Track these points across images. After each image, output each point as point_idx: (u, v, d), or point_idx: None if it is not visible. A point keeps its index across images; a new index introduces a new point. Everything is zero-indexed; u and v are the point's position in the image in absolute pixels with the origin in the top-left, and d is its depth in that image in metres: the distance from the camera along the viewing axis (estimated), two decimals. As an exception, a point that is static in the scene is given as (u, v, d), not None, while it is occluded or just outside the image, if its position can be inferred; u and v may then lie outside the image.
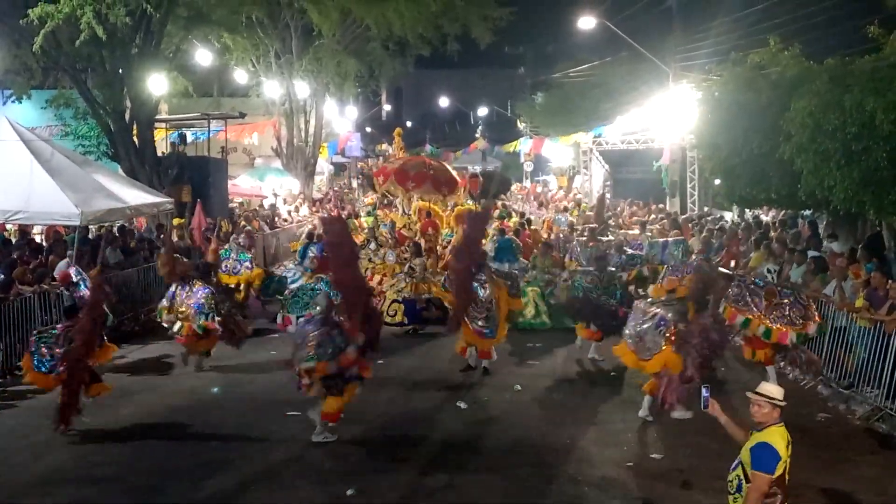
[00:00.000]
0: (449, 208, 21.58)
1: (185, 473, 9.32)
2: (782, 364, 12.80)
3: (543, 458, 9.75)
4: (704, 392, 6.28)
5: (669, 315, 10.61)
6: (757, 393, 5.97)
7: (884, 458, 9.87)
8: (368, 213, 25.40)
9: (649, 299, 11.87)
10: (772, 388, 6.05)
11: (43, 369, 10.50)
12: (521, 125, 49.60)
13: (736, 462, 5.93)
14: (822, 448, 9.97)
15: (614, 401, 11.93)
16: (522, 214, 24.52)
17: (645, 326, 10.74)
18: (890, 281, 11.84)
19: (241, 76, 33.49)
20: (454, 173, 21.64)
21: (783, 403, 5.94)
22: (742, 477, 5.81)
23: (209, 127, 28.53)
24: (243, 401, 12.01)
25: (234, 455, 9.87)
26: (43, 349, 10.47)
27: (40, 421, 11.01)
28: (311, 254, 16.89)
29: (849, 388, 11.96)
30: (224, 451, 10.01)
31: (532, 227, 23.61)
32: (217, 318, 13.11)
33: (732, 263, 16.13)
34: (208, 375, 13.35)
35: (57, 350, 10.41)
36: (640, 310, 11.16)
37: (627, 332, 11.13)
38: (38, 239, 18.62)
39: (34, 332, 10.89)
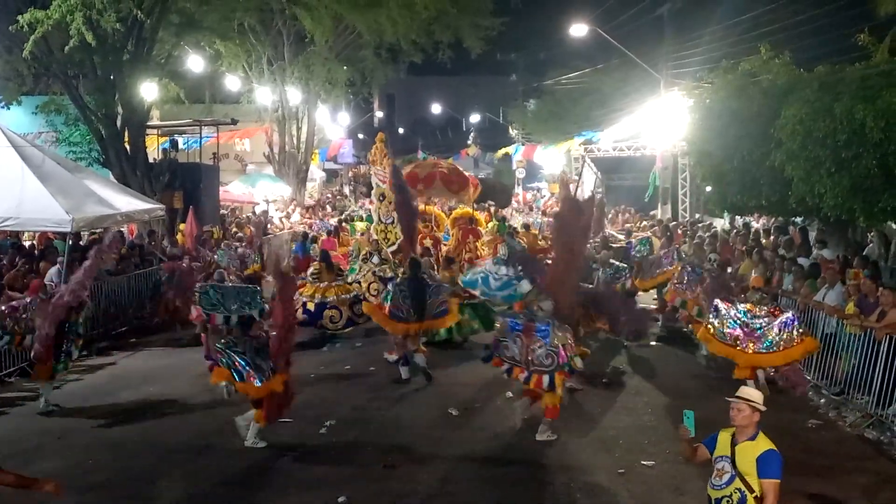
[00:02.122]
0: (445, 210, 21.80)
1: (176, 480, 9.30)
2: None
3: (535, 464, 9.76)
4: (687, 417, 6.15)
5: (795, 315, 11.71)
6: (738, 397, 5.99)
7: (874, 465, 9.88)
8: (363, 219, 25.48)
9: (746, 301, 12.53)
10: (753, 393, 6.08)
11: (239, 379, 10.15)
12: (512, 132, 49.67)
13: (730, 475, 5.82)
14: (812, 455, 9.98)
15: (606, 407, 11.93)
16: (527, 226, 24.76)
17: (762, 321, 11.54)
18: (881, 288, 11.86)
19: (233, 82, 33.47)
20: (464, 171, 21.98)
21: (763, 408, 5.97)
22: (744, 489, 5.74)
23: (201, 133, 28.48)
24: (235, 407, 11.97)
25: (226, 462, 9.86)
26: (237, 360, 10.11)
27: (31, 428, 11.01)
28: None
29: (839, 395, 11.99)
30: (216, 457, 10.00)
31: (534, 230, 23.95)
32: None
33: (729, 269, 16.19)
34: (199, 382, 13.30)
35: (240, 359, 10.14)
36: (739, 308, 11.90)
37: (721, 328, 11.89)
38: (27, 245, 18.57)
39: (220, 343, 10.56)
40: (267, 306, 13.38)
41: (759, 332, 11.52)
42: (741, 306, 12.02)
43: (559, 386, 10.42)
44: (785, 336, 11.35)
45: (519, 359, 10.54)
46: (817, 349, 11.97)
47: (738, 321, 11.74)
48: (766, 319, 11.58)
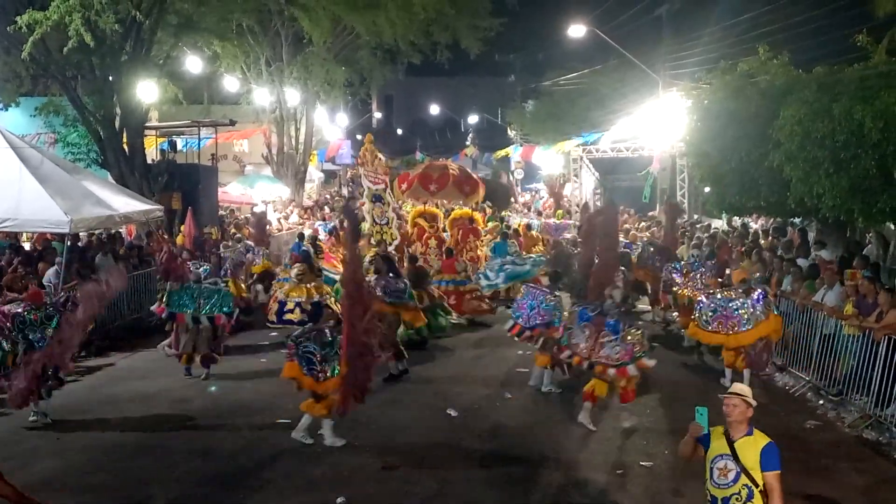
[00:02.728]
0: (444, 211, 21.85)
1: (175, 481, 9.30)
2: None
3: (533, 465, 9.75)
4: (701, 414, 6.12)
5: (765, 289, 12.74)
6: (733, 393, 6.02)
7: (873, 466, 9.90)
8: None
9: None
10: (744, 388, 6.13)
11: (309, 374, 10.24)
12: (511, 133, 49.61)
13: (736, 473, 5.83)
14: (811, 455, 9.99)
15: (605, 408, 11.91)
16: (528, 226, 25.05)
17: (737, 303, 12.46)
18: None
19: (231, 83, 33.44)
20: (471, 172, 22.18)
21: (755, 403, 6.02)
22: (751, 484, 5.77)
23: (199, 134, 28.45)
24: (233, 408, 11.99)
25: (224, 463, 9.85)
26: (308, 354, 10.25)
27: (29, 429, 10.97)
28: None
29: (838, 396, 12.00)
30: (214, 458, 9.99)
31: (533, 232, 24.14)
32: None
33: (727, 271, 16.24)
34: (198, 383, 13.33)
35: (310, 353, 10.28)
36: (716, 297, 12.86)
37: (705, 318, 12.78)
38: (27, 246, 18.56)
39: (291, 337, 10.64)
40: (237, 309, 14.22)
41: (736, 314, 12.43)
42: (720, 294, 12.98)
43: (620, 379, 10.76)
44: (756, 312, 12.29)
45: (583, 348, 10.91)
46: (779, 330, 12.70)
47: (719, 309, 12.64)
48: (740, 300, 12.50)
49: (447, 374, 13.75)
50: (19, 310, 11.23)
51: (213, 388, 13.00)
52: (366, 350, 9.98)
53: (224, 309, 13.72)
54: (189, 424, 11.31)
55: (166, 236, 19.42)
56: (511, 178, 43.38)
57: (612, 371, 10.68)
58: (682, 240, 21.04)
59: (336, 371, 10.11)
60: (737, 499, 5.81)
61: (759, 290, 12.64)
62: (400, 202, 21.61)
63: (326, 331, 10.49)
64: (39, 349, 10.63)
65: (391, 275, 14.13)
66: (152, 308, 14.67)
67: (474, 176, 22.36)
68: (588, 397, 10.97)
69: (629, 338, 10.76)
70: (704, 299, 13.08)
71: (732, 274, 15.21)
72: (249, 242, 20.72)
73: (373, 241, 19.79)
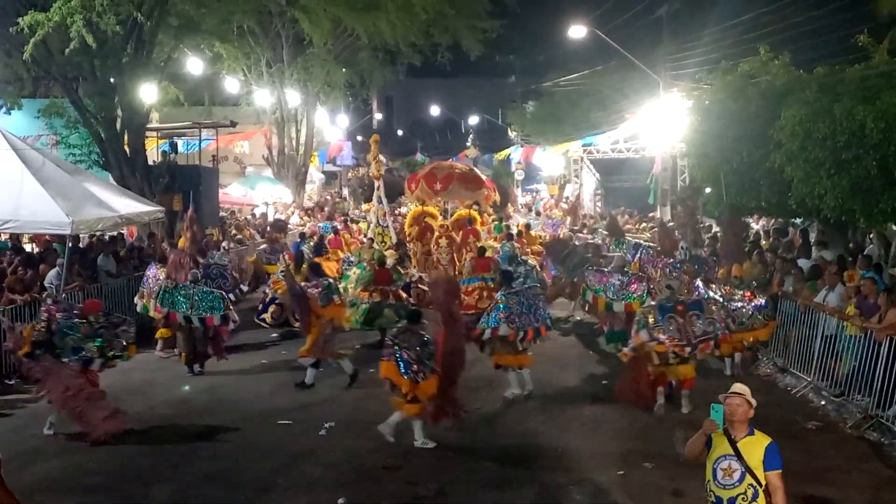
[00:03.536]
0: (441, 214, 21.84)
1: (175, 482, 9.31)
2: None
3: (534, 466, 9.76)
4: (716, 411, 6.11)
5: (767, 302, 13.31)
6: (734, 393, 6.04)
7: (874, 466, 9.89)
8: (364, 219, 25.68)
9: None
10: (744, 388, 6.15)
11: (405, 374, 10.23)
12: (511, 134, 49.58)
13: (741, 473, 5.85)
14: (813, 456, 9.98)
15: (606, 409, 11.93)
16: (528, 226, 25.19)
17: (739, 305, 13.09)
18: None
19: (232, 85, 33.47)
20: (478, 173, 22.27)
21: (755, 402, 6.05)
22: (755, 484, 5.80)
23: (200, 135, 28.46)
24: (234, 409, 11.99)
25: (225, 464, 9.86)
26: (405, 355, 10.24)
27: (32, 429, 10.99)
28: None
29: (840, 397, 11.99)
30: (214, 460, 10.00)
31: (532, 232, 24.23)
32: None
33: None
34: (199, 383, 13.33)
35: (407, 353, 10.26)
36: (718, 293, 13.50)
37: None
38: (28, 248, 18.57)
39: (391, 338, 10.61)
40: (232, 314, 14.16)
41: (734, 312, 12.86)
42: (720, 290, 13.61)
43: (722, 347, 11.96)
44: (756, 318, 13.00)
45: (683, 335, 11.36)
46: (773, 333, 13.50)
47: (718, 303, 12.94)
48: (742, 302, 13.13)
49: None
50: (75, 311, 11.15)
51: (186, 388, 13.08)
52: (457, 350, 10.39)
53: (215, 312, 13.83)
54: (189, 424, 11.30)
55: (165, 245, 19.56)
56: (512, 179, 43.43)
57: (711, 344, 11.50)
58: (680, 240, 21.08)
59: (433, 369, 10.19)
60: (742, 498, 5.84)
61: (764, 300, 13.19)
62: (406, 205, 21.74)
63: (421, 331, 10.55)
64: (63, 362, 10.73)
65: (321, 279, 14.13)
66: (154, 311, 14.82)
67: (479, 175, 22.40)
68: (687, 385, 11.67)
69: (714, 309, 11.66)
70: (703, 288, 13.72)
71: (733, 269, 15.42)
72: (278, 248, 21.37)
73: (377, 245, 19.79)
